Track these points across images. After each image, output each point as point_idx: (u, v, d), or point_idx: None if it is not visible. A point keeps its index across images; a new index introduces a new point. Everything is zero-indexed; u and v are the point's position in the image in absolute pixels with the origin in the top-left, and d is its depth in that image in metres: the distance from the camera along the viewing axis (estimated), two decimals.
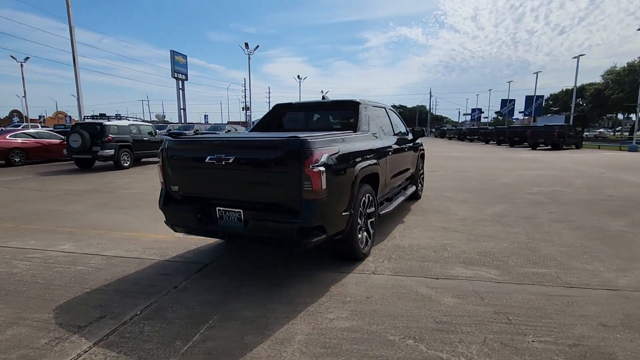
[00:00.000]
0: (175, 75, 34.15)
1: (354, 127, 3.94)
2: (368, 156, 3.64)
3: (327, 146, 2.88)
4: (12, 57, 35.91)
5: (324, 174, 2.75)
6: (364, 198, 3.52)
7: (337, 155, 2.97)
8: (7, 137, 13.39)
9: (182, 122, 34.99)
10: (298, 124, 4.78)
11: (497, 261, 3.52)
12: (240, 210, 3.00)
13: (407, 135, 5.86)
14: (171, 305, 2.69)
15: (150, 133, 13.23)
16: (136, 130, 12.64)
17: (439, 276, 3.19)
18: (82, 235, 4.52)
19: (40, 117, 64.04)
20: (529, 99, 39.76)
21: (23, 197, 7.17)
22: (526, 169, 11.48)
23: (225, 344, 2.19)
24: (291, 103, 4.83)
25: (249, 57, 33.77)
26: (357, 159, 3.33)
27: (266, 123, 4.77)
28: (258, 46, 34.86)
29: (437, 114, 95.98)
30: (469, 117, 67.90)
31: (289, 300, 2.76)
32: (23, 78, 36.65)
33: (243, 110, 66.60)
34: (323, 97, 4.98)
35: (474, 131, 38.55)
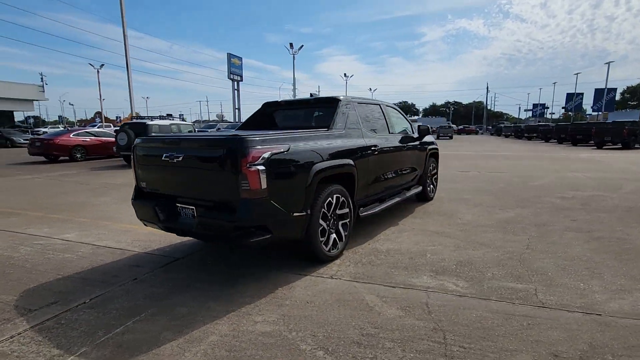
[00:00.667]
0: (231, 77, 35.50)
1: (327, 125, 3.80)
2: (335, 155, 3.49)
3: (270, 145, 2.81)
4: (90, 64, 40.29)
5: (264, 173, 2.69)
6: (329, 199, 3.39)
7: (284, 154, 2.89)
8: (71, 135, 15.08)
9: (237, 120, 36.51)
10: (285, 121, 4.75)
11: (473, 272, 3.19)
12: (194, 207, 3.05)
13: (412, 133, 5.55)
14: (119, 296, 2.83)
15: (190, 132, 14.04)
16: (177, 129, 13.51)
17: (398, 285, 2.97)
18: (90, 226, 4.93)
19: (117, 117, 70.98)
20: (598, 93, 35.39)
21: (66, 189, 8.02)
22: (575, 170, 10.27)
23: (141, 338, 2.25)
24: (277, 101, 4.81)
25: (293, 57, 34.37)
26: (316, 159, 3.21)
27: (256, 121, 4.80)
28: (302, 46, 35.30)
29: (495, 110, 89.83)
30: (530, 113, 62.48)
31: (230, 300, 2.75)
32: (99, 83, 41.00)
33: None
34: (311, 95, 4.88)
35: (533, 129, 35.36)
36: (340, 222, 3.66)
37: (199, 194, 3.03)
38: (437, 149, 6.37)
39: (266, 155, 2.72)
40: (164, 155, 3.07)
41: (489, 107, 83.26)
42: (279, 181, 2.86)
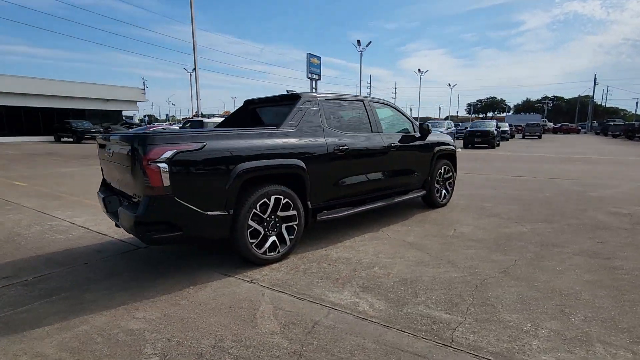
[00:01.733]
0: (310, 76, 36.16)
1: (278, 123, 3.64)
2: (273, 155, 3.33)
3: (177, 143, 2.79)
4: (185, 69, 45.37)
5: (166, 171, 2.69)
6: (264, 200, 3.25)
7: (196, 152, 2.85)
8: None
9: None
10: (260, 118, 4.70)
11: (405, 293, 2.76)
12: (125, 201, 3.21)
13: (415, 133, 5.02)
14: (56, 278, 3.11)
15: None
16: (213, 126, 14.43)
17: (307, 298, 2.71)
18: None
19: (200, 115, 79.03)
20: None
21: None
22: None
23: (28, 318, 2.43)
24: (253, 99, 4.76)
25: (360, 54, 33.77)
26: (242, 158, 3.09)
27: (237, 118, 4.83)
28: (370, 42, 34.41)
29: (608, 105, 76.36)
30: None
31: (137, 293, 2.81)
32: (191, 84, 46.19)
33: None
34: (287, 92, 4.72)
35: None
36: (284, 225, 3.48)
37: (124, 188, 3.18)
38: (450, 149, 5.66)
39: (169, 153, 2.71)
40: (106, 150, 3.29)
41: (599, 103, 71.48)
42: (189, 179, 2.83)
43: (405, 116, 5.12)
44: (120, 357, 2.01)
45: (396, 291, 2.80)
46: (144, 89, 36.78)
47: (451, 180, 5.77)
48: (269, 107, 4.66)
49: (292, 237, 3.54)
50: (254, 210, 3.20)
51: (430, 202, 5.48)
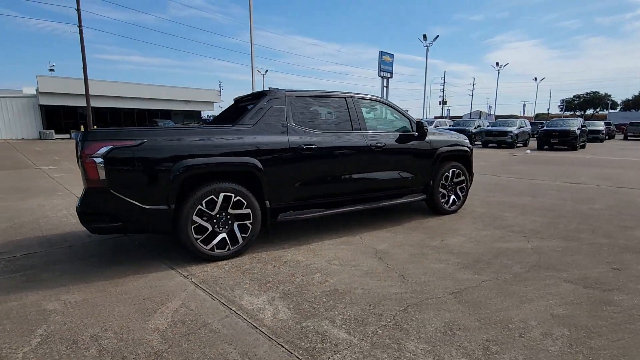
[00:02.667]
0: (381, 74, 35.36)
1: (236, 121, 3.61)
2: (222, 153, 3.31)
3: (114, 139, 2.94)
4: (258, 70, 48.18)
5: (102, 165, 2.86)
6: (212, 197, 3.26)
7: (134, 148, 2.97)
8: None
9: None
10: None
11: (324, 306, 2.52)
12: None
13: (411, 133, 4.59)
14: (35, 256, 3.51)
15: None
16: None
17: (220, 298, 2.64)
18: None
19: None
20: None
21: None
22: None
23: None
24: (241, 97, 4.77)
25: (427, 49, 31.93)
26: (185, 154, 3.14)
27: (226, 115, 4.92)
28: (438, 36, 32.30)
29: None
30: None
31: (75, 278, 3.02)
32: (263, 86, 48.87)
33: (440, 104, 64.03)
34: (269, 89, 4.62)
35: None
36: (236, 223, 3.46)
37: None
38: (461, 151, 5.04)
39: (105, 149, 2.87)
40: None
41: None
42: (126, 173, 2.97)
43: (402, 114, 4.69)
44: (12, 334, 2.20)
45: (315, 302, 2.58)
46: (220, 91, 39.96)
47: (463, 185, 5.13)
48: (249, 104, 4.67)
49: (246, 235, 3.49)
50: (199, 206, 3.23)
51: (435, 208, 4.95)
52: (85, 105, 25.64)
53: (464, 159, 5.17)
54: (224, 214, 3.39)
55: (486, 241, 3.87)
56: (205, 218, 3.31)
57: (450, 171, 4.93)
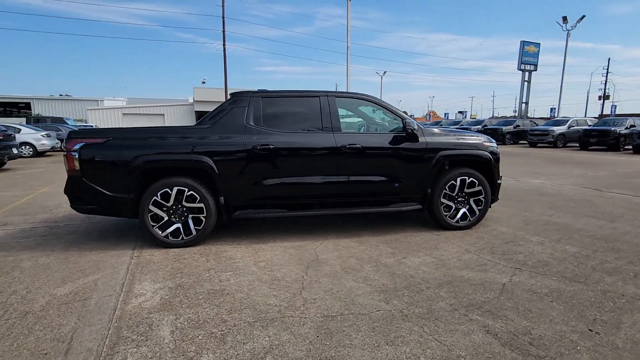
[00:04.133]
0: (522, 67, 31.14)
1: (201, 122, 3.86)
2: (178, 151, 3.64)
3: (86, 137, 3.57)
4: (377, 72, 48.36)
5: (76, 158, 3.53)
6: (166, 190, 3.63)
7: (101, 145, 3.55)
8: None
9: (521, 116, 31.84)
10: None
11: (184, 305, 2.56)
12: None
13: (400, 134, 4.07)
14: (47, 229, 4.54)
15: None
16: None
17: (127, 281, 2.96)
18: None
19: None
20: None
21: None
22: None
23: None
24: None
25: (567, 33, 25.96)
26: (143, 151, 3.56)
27: None
28: (584, 16, 25.74)
29: None
30: None
31: (48, 250, 3.80)
32: (381, 88, 48.96)
33: (600, 99, 51.65)
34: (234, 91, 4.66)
35: None
36: (190, 215, 3.74)
37: None
38: (474, 156, 4.15)
39: (79, 144, 3.53)
40: None
41: None
42: (94, 165, 3.58)
43: (394, 114, 4.15)
44: None
45: (190, 298, 2.63)
46: None
47: (480, 197, 4.21)
48: None
49: (199, 228, 3.74)
50: (155, 197, 3.63)
51: (437, 222, 4.23)
52: None
53: (482, 165, 4.24)
54: (180, 206, 3.72)
55: (453, 267, 3.13)
56: (164, 209, 3.70)
57: (459, 179, 4.12)
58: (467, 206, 4.23)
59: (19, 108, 41.19)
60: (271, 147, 3.77)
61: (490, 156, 4.21)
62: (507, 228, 4.28)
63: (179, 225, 3.73)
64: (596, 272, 2.99)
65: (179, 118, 35.03)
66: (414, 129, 3.90)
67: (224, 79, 31.34)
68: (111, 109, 34.82)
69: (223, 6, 30.12)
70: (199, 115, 35.44)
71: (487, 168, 4.24)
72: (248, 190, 3.83)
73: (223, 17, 30.39)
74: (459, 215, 4.21)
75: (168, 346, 2.04)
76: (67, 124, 19.67)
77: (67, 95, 42.30)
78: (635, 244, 3.66)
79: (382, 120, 4.27)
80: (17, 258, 3.46)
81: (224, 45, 30.72)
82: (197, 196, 3.68)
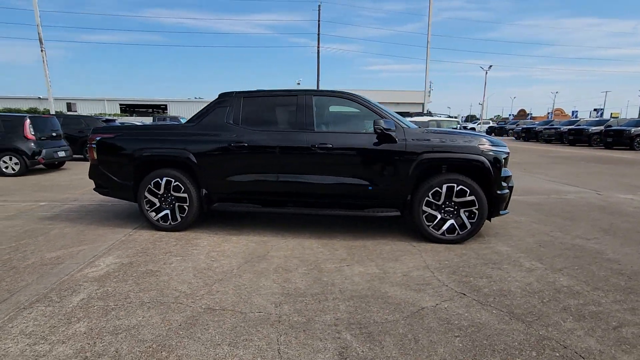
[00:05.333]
0: None
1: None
2: (167, 146, 4.09)
3: (102, 132, 4.28)
4: (481, 67, 44.03)
5: (95, 149, 4.29)
6: (157, 179, 4.14)
7: (111, 139, 4.23)
8: None
9: None
10: None
11: (114, 279, 2.93)
12: None
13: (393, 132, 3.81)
14: (82, 206, 5.51)
15: (454, 128, 13.75)
16: (436, 125, 13.79)
17: (99, 253, 3.50)
18: None
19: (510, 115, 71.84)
20: None
21: None
22: None
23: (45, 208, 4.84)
24: None
25: None
26: (140, 145, 4.13)
27: None
28: None
29: None
30: None
31: (68, 219, 4.65)
32: (485, 84, 44.37)
33: None
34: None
35: None
36: (177, 204, 4.19)
37: None
38: (464, 160, 3.58)
39: (97, 138, 4.28)
40: None
41: None
42: (106, 156, 4.29)
43: (377, 113, 3.85)
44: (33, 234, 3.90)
45: (124, 275, 3.00)
46: (430, 92, 39.57)
47: (473, 208, 3.62)
48: None
49: (183, 215, 4.16)
50: (149, 185, 4.18)
51: (420, 232, 3.80)
52: None
53: (476, 171, 3.63)
54: (169, 194, 4.20)
55: (389, 282, 2.81)
56: (156, 196, 4.23)
57: (445, 187, 3.63)
58: (456, 217, 3.69)
59: (159, 109, 50.17)
60: (245, 144, 3.94)
61: (487, 161, 3.58)
62: (509, 248, 3.59)
63: (168, 211, 4.20)
64: (561, 314, 2.33)
65: None
66: (384, 128, 3.58)
67: (317, 80, 32.69)
68: None
69: (319, 11, 31.39)
70: None
71: (483, 175, 3.62)
72: (225, 184, 4.07)
73: (318, 20, 31.67)
74: (445, 227, 3.70)
75: (66, 309, 2.41)
76: (180, 121, 23.46)
77: (199, 98, 49.67)
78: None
79: (363, 119, 4.02)
80: (53, 227, 4.40)
81: (317, 47, 32.02)
82: (182, 187, 4.09)
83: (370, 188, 3.79)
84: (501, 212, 3.75)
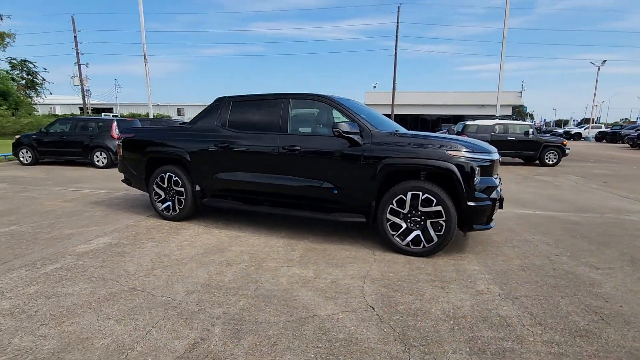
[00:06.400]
0: None
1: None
2: (167, 144, 4.61)
3: (126, 133, 5.00)
4: (591, 62, 37.76)
5: (120, 147, 5.05)
6: (162, 174, 4.70)
7: (131, 138, 4.93)
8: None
9: None
10: None
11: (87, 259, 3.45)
12: None
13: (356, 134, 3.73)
14: (116, 197, 6.36)
15: (526, 133, 12.18)
16: (502, 129, 12.38)
17: (101, 234, 4.14)
18: None
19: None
20: None
21: None
22: None
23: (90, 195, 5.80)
24: None
25: None
26: (150, 144, 4.72)
27: None
28: None
29: None
30: None
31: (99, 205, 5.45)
32: (596, 81, 37.98)
33: None
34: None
35: None
36: (177, 197, 4.69)
37: None
38: (432, 167, 3.25)
39: (123, 137, 5.03)
40: None
41: None
42: (128, 152, 5.01)
43: (349, 115, 3.73)
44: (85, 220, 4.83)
45: (93, 253, 3.51)
46: (521, 92, 35.22)
47: (441, 220, 3.27)
48: None
49: (181, 207, 4.65)
50: (156, 180, 4.77)
51: (386, 241, 3.59)
52: (395, 113, 31.91)
53: (446, 180, 3.27)
54: (171, 188, 4.72)
55: (304, 285, 2.76)
56: (164, 189, 4.80)
57: (410, 194, 3.36)
58: (422, 229, 3.39)
59: None
60: (227, 145, 4.23)
61: (456, 169, 3.20)
62: (479, 267, 3.16)
63: (170, 203, 4.74)
64: (457, 344, 2.02)
65: None
66: (342, 131, 3.47)
67: (393, 82, 32.00)
68: None
69: (398, 13, 30.71)
70: None
71: (453, 183, 3.25)
72: (213, 182, 4.42)
73: (397, 22, 30.98)
74: (409, 238, 3.43)
75: (37, 274, 2.96)
76: None
77: None
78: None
79: (325, 121, 3.94)
80: (91, 210, 5.30)
81: (395, 50, 31.32)
82: (180, 182, 4.57)
83: (335, 192, 3.72)
84: (476, 226, 3.31)
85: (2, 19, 31.89)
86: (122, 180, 5.37)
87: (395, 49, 31.64)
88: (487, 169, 3.38)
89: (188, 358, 1.91)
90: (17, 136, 11.24)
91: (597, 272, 3.08)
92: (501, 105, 34.57)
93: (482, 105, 34.16)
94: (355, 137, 3.55)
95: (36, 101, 34.74)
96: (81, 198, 6.07)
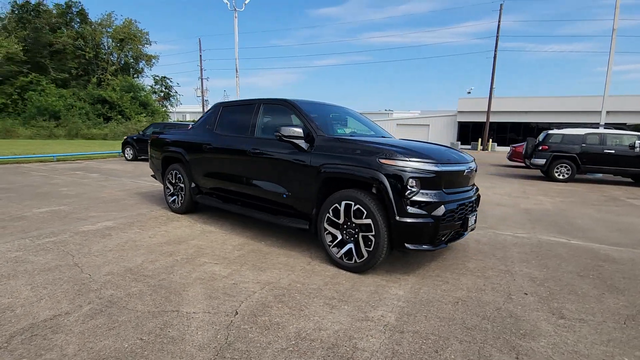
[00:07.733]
0: None
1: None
2: (175, 145, 5.16)
3: (154, 133, 5.76)
4: None
5: (150, 145, 5.85)
6: (171, 171, 5.31)
7: (158, 139, 5.66)
8: None
9: None
10: None
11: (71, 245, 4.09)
12: None
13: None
14: (141, 194, 7.17)
15: (631, 146, 9.77)
16: (596, 140, 10.13)
17: (66, 230, 4.86)
18: None
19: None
20: None
21: None
22: None
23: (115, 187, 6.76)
24: None
25: None
26: (166, 144, 5.36)
27: None
28: None
29: None
30: None
31: (118, 201, 6.26)
32: None
33: None
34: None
35: None
36: (180, 192, 5.22)
37: None
38: (357, 177, 2.97)
39: (154, 137, 5.81)
40: None
41: None
42: (153, 150, 5.76)
43: (303, 120, 3.64)
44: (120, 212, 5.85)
45: (72, 241, 4.15)
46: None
47: (370, 234, 2.94)
48: None
49: (182, 201, 5.16)
50: (168, 176, 5.40)
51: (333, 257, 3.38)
52: (491, 120, 29.08)
53: (376, 189, 2.92)
54: (178, 184, 5.28)
55: (207, 281, 2.79)
56: (172, 184, 5.40)
57: (344, 203, 3.12)
58: (355, 242, 3.10)
59: None
60: (211, 147, 4.55)
61: (384, 179, 2.84)
62: (404, 293, 2.73)
63: (176, 197, 5.30)
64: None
65: (441, 129, 35.70)
66: (282, 135, 3.40)
67: (490, 84, 29.02)
68: (388, 120, 40.64)
69: (500, 12, 27.82)
70: (461, 126, 34.53)
71: (381, 194, 2.89)
72: (203, 180, 4.80)
73: (499, 22, 28.07)
74: (343, 251, 3.17)
75: (29, 244, 3.68)
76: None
77: (389, 110, 52.80)
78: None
79: (284, 124, 3.85)
80: (123, 199, 6.25)
81: (495, 51, 28.39)
82: (181, 177, 5.09)
83: (284, 196, 3.67)
84: (410, 245, 2.87)
85: (150, 44, 39.72)
86: (152, 175, 6.19)
87: (495, 51, 28.68)
88: (432, 181, 2.91)
89: (38, 326, 2.19)
90: (125, 137, 13.84)
91: (551, 322, 2.38)
92: (624, 112, 28.26)
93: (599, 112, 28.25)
94: (298, 142, 3.46)
95: (171, 110, 42.05)
96: (133, 189, 7.18)
